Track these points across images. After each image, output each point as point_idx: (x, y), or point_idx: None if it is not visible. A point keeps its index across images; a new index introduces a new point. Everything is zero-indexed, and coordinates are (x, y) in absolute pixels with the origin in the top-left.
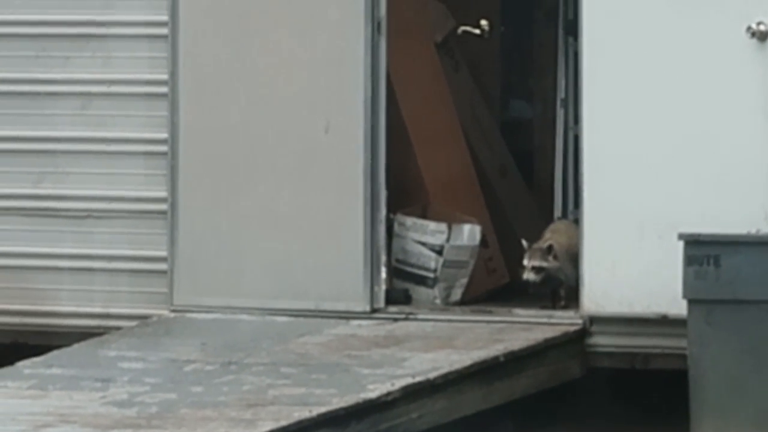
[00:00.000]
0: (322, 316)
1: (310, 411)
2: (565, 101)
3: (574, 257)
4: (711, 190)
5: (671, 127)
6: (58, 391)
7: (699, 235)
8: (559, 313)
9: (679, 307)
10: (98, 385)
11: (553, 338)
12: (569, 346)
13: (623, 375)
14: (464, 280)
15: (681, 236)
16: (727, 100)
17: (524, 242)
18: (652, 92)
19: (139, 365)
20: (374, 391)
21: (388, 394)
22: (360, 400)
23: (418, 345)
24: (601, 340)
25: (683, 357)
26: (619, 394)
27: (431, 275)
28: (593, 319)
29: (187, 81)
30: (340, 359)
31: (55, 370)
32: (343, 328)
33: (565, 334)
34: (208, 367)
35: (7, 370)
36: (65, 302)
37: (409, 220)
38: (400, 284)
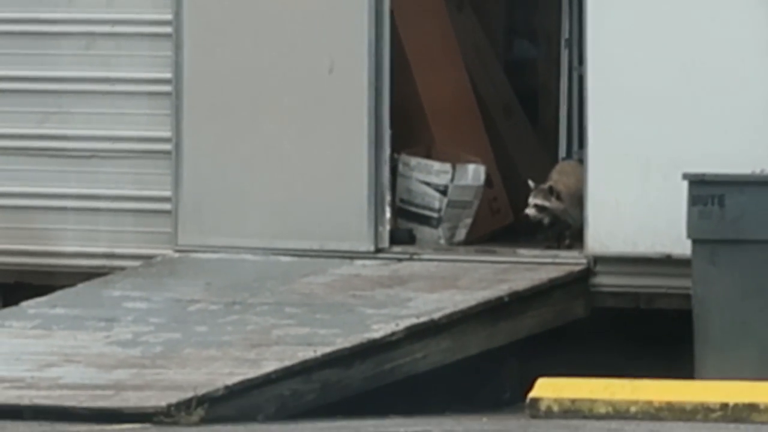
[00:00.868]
0: (327, 256)
1: (315, 351)
2: (569, 41)
3: (582, 199)
4: (716, 130)
5: (676, 68)
6: (63, 331)
7: (703, 174)
8: (563, 253)
9: (683, 247)
10: (102, 324)
11: (558, 278)
12: (574, 286)
13: (628, 314)
14: (468, 220)
15: (685, 176)
16: (732, 42)
17: (530, 182)
18: (657, 34)
19: (143, 305)
20: (378, 331)
21: (393, 334)
22: (364, 340)
23: (422, 285)
24: (606, 280)
25: (687, 297)
26: (623, 334)
27: (435, 215)
28: (597, 259)
29: (191, 21)
30: (344, 299)
31: (59, 310)
32: (347, 268)
33: (570, 274)
34: (213, 307)
35: (11, 310)
36: (69, 242)
37: (414, 160)
38: (405, 224)
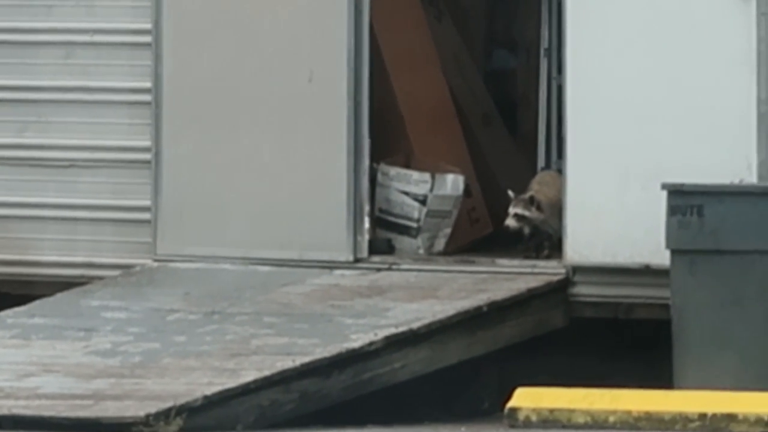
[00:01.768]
0: (306, 266)
1: (293, 360)
2: (548, 51)
3: (561, 210)
4: (695, 140)
5: (655, 78)
6: (41, 341)
7: (682, 184)
8: (542, 263)
9: (662, 257)
10: (81, 334)
11: (537, 288)
12: (552, 296)
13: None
14: (447, 230)
15: (664, 186)
16: (711, 52)
17: (510, 193)
18: (637, 43)
19: (122, 315)
20: (357, 341)
21: (371, 344)
22: (343, 350)
23: (401, 295)
24: (585, 290)
25: (666, 307)
26: (602, 344)
27: (414, 225)
28: (576, 269)
29: (170, 31)
30: (323, 309)
31: (37, 320)
32: (326, 278)
33: (549, 284)
34: (192, 317)
35: None
36: (48, 252)
37: (393, 170)
38: (384, 234)
